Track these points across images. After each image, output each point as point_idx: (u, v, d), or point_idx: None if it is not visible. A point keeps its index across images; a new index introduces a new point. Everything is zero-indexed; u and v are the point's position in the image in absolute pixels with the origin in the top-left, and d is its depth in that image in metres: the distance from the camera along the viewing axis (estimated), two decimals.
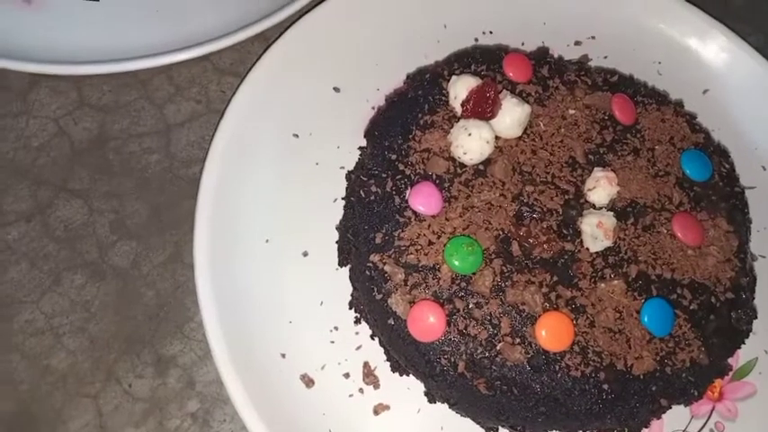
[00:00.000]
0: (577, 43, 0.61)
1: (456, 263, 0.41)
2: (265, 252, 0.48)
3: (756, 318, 0.45)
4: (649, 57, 0.61)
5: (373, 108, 0.55)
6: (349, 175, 0.51)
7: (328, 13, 0.56)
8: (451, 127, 0.46)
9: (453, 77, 0.48)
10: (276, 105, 0.53)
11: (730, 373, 0.47)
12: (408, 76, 0.53)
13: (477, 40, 0.59)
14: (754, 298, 0.46)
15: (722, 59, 0.60)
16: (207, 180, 0.48)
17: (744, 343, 0.45)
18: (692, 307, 0.43)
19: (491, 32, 0.60)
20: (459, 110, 0.47)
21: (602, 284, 0.42)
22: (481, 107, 0.45)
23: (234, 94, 0.52)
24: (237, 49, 0.56)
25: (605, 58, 0.60)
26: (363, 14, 0.57)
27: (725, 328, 0.44)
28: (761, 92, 0.59)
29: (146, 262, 0.49)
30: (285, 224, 0.49)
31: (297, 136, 0.53)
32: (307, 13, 0.56)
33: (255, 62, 0.54)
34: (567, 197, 0.45)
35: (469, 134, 0.44)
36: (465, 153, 0.45)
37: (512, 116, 0.46)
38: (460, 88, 0.47)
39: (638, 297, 0.43)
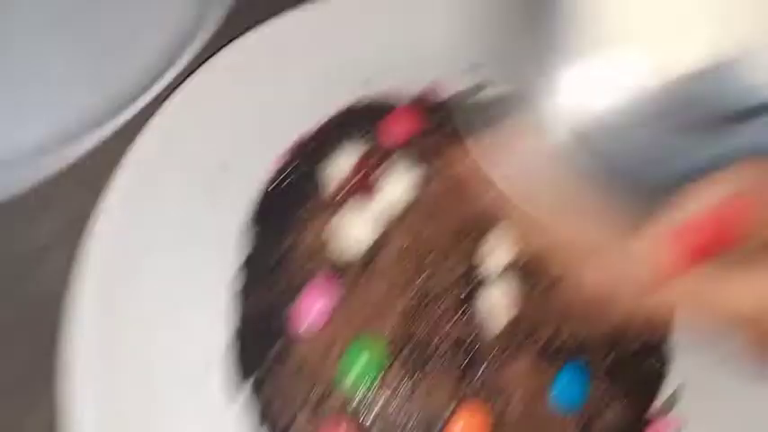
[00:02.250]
0: (474, 67, 0.57)
1: (355, 372, 0.39)
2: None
3: (673, 359, 0.44)
4: None
5: (262, 180, 0.51)
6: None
7: (202, 83, 0.51)
8: (334, 213, 0.44)
9: (330, 157, 0.44)
10: (155, 192, 0.49)
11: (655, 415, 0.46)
12: (288, 151, 0.49)
13: (368, 80, 0.55)
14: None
15: None
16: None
17: (663, 384, 0.44)
18: (606, 362, 0.42)
19: (379, 72, 0.56)
20: (339, 191, 0.44)
21: (512, 364, 0.41)
22: (360, 189, 0.42)
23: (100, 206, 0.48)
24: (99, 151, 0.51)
25: None
26: (240, 81, 0.52)
27: (643, 375, 0.43)
28: None
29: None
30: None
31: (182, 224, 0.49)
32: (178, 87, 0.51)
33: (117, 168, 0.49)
34: (464, 267, 0.43)
35: (350, 223, 0.42)
36: (347, 249, 0.42)
37: (397, 189, 0.43)
38: (338, 168, 0.44)
39: (549, 368, 0.41)
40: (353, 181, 0.43)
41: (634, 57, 0.20)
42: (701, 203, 0.19)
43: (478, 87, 0.55)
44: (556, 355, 0.41)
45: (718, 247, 0.20)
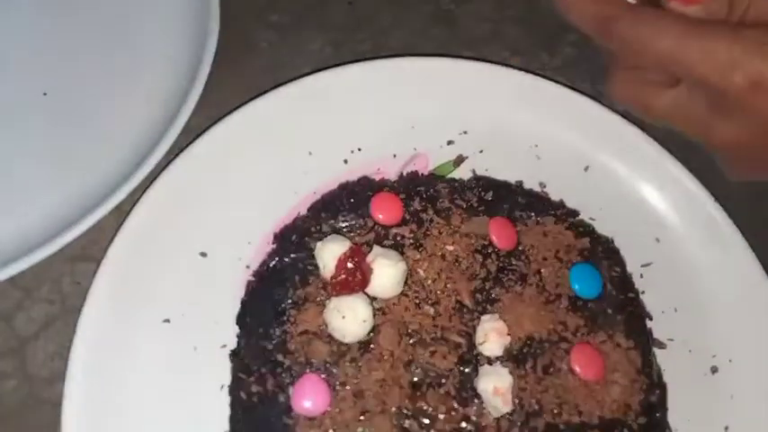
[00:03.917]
0: (450, 143, 0.58)
1: None
2: None
3: None
4: (525, 142, 0.59)
5: (248, 267, 0.51)
6: (232, 357, 0.47)
7: (178, 175, 0.51)
8: (327, 298, 0.43)
9: (318, 245, 0.44)
10: (139, 288, 0.48)
11: None
12: (275, 237, 0.49)
13: (346, 161, 0.56)
14: (666, 409, 0.45)
15: (597, 133, 0.59)
16: (69, 401, 0.43)
17: None
18: None
19: (359, 149, 0.57)
20: (332, 278, 0.44)
21: None
22: (349, 283, 0.42)
23: (90, 284, 0.47)
24: (89, 230, 0.51)
25: (481, 152, 0.57)
26: (217, 169, 0.52)
27: None
28: (639, 160, 0.58)
29: None
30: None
31: (168, 321, 0.48)
32: (155, 179, 0.51)
33: (109, 244, 0.49)
34: (460, 351, 0.43)
35: (343, 317, 0.41)
36: (344, 336, 0.41)
37: (386, 278, 0.43)
38: (327, 258, 0.43)
39: None
40: (339, 279, 0.42)
41: None
42: None
43: (459, 158, 0.56)
44: None
45: None
